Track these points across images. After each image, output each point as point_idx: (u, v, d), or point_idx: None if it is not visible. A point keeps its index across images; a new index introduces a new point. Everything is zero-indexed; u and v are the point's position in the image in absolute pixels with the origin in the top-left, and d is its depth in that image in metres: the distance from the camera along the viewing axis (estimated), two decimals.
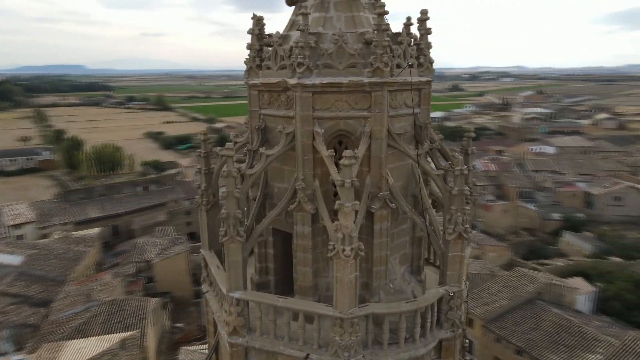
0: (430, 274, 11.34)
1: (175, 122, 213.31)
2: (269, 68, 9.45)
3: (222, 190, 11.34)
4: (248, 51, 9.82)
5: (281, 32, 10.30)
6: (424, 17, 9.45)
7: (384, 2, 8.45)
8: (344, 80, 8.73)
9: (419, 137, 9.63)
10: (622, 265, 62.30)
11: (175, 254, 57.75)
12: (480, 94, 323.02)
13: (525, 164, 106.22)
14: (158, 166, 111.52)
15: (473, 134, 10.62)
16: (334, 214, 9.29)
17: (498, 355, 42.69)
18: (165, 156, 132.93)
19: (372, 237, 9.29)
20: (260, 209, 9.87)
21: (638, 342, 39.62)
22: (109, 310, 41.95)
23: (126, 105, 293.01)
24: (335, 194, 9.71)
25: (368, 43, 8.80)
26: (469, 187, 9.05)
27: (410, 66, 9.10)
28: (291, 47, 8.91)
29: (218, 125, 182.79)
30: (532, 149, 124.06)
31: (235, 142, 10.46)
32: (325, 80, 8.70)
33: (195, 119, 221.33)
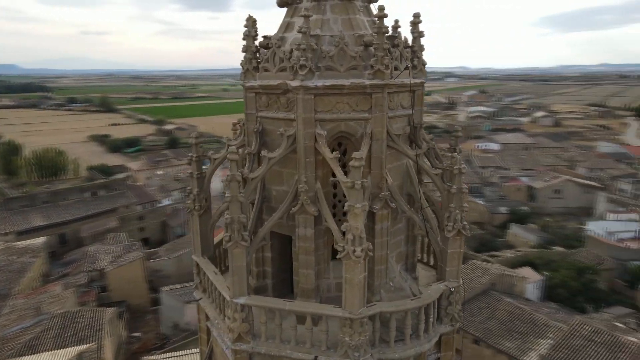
0: (419, 270, 11.64)
1: (122, 124, 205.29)
2: (266, 70, 9.34)
3: (212, 194, 11.12)
4: (244, 53, 9.64)
5: (272, 34, 10.25)
6: (416, 20, 9.70)
7: (383, 6, 8.59)
8: (346, 82, 8.80)
9: (414, 137, 9.88)
10: (565, 254, 66.44)
11: (130, 261, 55.73)
12: (427, 94, 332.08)
13: (473, 160, 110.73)
14: (106, 170, 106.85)
15: (460, 134, 10.98)
16: (333, 216, 9.36)
17: (457, 346, 44.09)
18: (113, 160, 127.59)
19: (374, 237, 9.41)
20: (259, 213, 9.75)
21: (584, 326, 42.45)
22: (61, 323, 39.90)
23: (67, 107, 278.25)
24: (335, 196, 9.79)
25: (367, 45, 8.91)
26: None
27: (407, 68, 9.31)
28: (291, 49, 8.86)
29: (168, 127, 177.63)
30: (478, 146, 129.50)
31: (229, 145, 10.25)
32: (328, 82, 8.73)
33: (143, 121, 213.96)
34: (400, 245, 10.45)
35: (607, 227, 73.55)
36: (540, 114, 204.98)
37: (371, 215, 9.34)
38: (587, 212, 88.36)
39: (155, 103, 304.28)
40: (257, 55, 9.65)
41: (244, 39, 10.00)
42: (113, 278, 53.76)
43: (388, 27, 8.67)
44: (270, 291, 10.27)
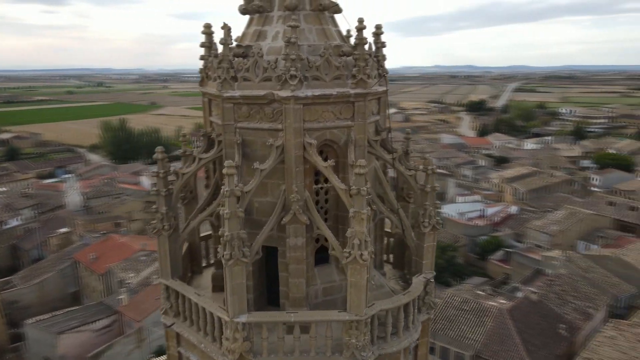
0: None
1: None
2: (247, 80, 9.00)
3: (180, 211, 10.43)
4: (216, 61, 9.15)
5: (236, 41, 9.93)
6: (378, 31, 10.24)
7: (363, 18, 8.95)
8: (333, 92, 8.97)
9: (383, 142, 10.44)
10: None
11: None
12: None
13: None
14: None
15: (410, 135, 11.90)
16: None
17: None
18: None
19: None
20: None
21: (455, 298, 48.71)
22: None
23: None
24: (317, 203, 9.90)
25: (346, 55, 9.19)
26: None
27: (382, 76, 9.83)
28: (276, 58, 8.72)
29: (3, 135, 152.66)
30: None
31: (200, 159, 9.65)
32: (317, 92, 8.81)
33: None
34: (371, 244, 10.95)
35: (458, 208, 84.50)
36: (392, 110, 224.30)
37: None
38: (441, 197, 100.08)
39: None
40: (233, 64, 9.23)
41: (205, 45, 9.53)
42: None
43: (366, 38, 9.07)
44: (252, 305, 9.95)
